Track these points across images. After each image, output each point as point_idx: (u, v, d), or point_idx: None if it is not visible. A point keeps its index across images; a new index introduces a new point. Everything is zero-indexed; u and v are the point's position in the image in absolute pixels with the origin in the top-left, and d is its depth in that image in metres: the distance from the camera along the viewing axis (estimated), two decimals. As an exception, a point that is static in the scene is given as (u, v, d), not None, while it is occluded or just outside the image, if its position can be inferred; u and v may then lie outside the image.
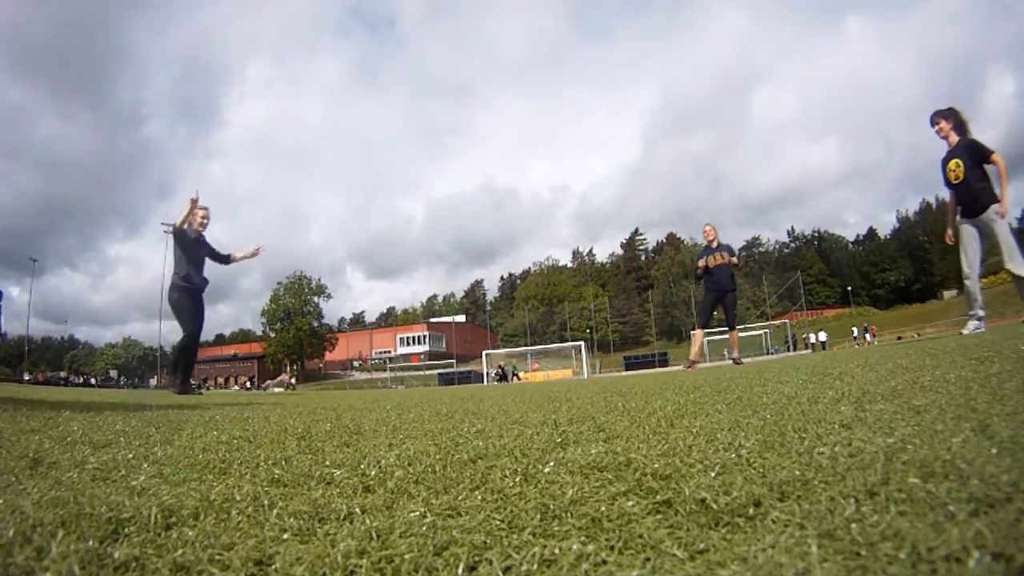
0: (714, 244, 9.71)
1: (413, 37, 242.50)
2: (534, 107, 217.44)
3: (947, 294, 70.53)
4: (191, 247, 7.09)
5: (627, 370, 34.85)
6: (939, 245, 75.62)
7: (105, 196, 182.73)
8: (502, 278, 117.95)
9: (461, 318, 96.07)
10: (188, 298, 7.06)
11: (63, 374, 77.01)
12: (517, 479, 0.93)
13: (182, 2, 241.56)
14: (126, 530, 0.73)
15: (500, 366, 38.09)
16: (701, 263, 9.71)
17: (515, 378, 35.11)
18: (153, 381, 69.25)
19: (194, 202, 6.99)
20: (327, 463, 1.18)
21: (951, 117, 6.27)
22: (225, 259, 7.58)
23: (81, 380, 67.92)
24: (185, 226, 7.03)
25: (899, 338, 38.09)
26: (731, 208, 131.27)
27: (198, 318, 7.28)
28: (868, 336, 43.59)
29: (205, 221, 7.29)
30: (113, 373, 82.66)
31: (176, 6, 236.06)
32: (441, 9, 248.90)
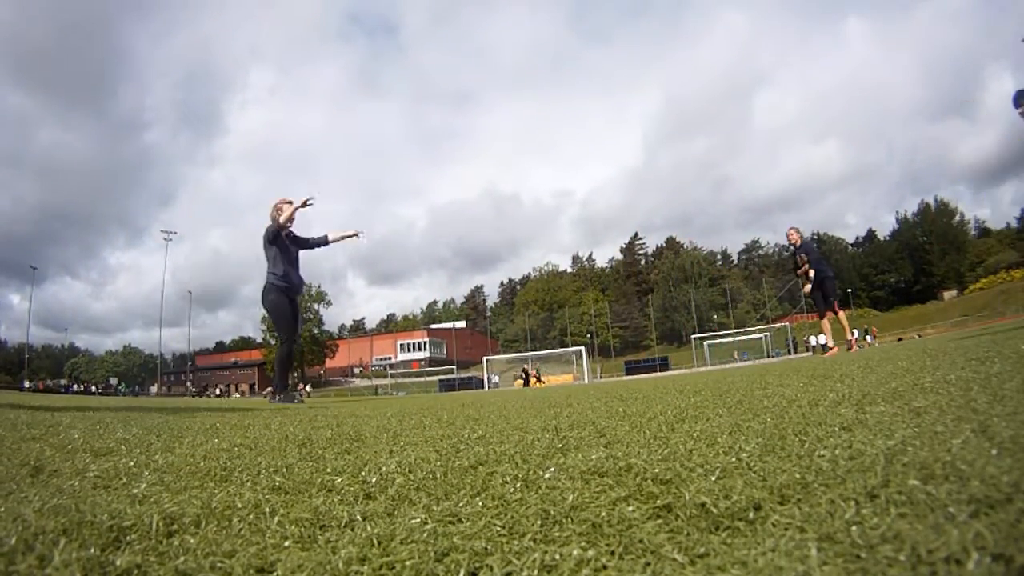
0: (797, 244, 10.07)
1: (413, 44, 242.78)
2: (535, 113, 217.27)
3: (947, 294, 70.45)
4: (286, 247, 6.67)
5: (628, 375, 34.83)
6: (939, 246, 75.71)
7: (106, 204, 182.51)
8: (502, 284, 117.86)
9: (461, 324, 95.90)
10: (286, 300, 6.61)
11: (63, 382, 77.06)
12: (518, 485, 0.93)
13: (182, 10, 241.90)
14: (128, 538, 0.73)
15: (524, 369, 37.63)
16: (808, 279, 9.90)
17: (538, 382, 34.81)
18: (154, 388, 69.25)
19: (304, 203, 6.62)
20: (328, 470, 1.18)
21: None
22: (322, 241, 7.08)
23: (81, 388, 67.97)
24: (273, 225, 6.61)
25: (900, 339, 38.08)
26: (733, 211, 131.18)
27: (297, 322, 6.78)
28: (868, 338, 43.51)
29: (294, 217, 6.79)
30: (113, 381, 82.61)
31: (176, 12, 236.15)
32: (441, 16, 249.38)
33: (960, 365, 2.65)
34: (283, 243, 6.64)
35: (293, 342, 6.76)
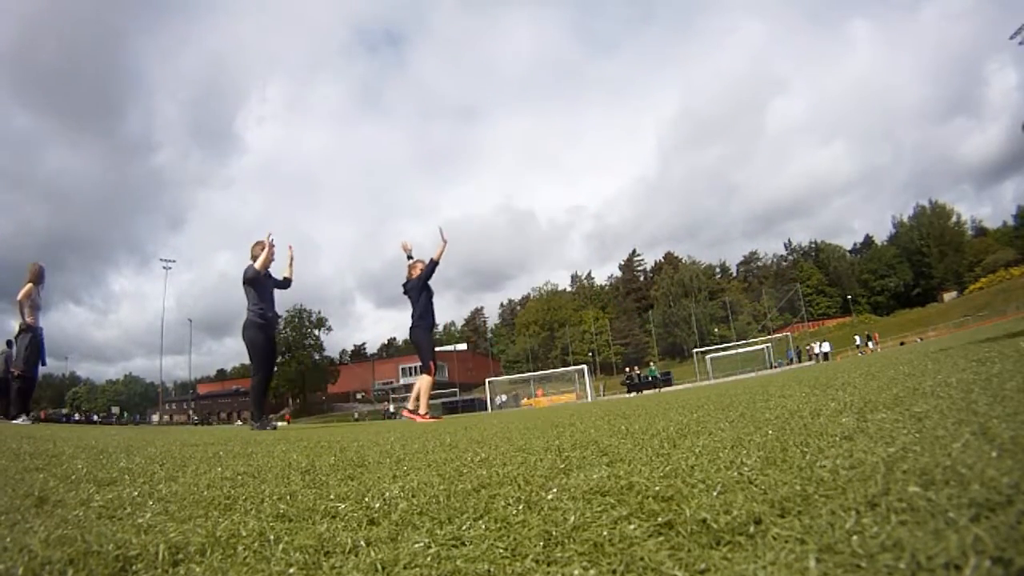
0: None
1: (418, 60, 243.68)
2: (544, 126, 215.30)
3: (947, 296, 70.34)
4: (264, 285, 7.16)
5: (630, 391, 34.59)
6: (937, 248, 75.76)
7: (111, 229, 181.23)
8: (502, 304, 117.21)
9: (463, 346, 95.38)
10: (264, 335, 7.11)
11: (65, 411, 76.73)
12: (520, 507, 0.93)
13: (191, 30, 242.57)
14: (134, 567, 0.73)
15: (636, 374, 34.13)
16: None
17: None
18: (155, 417, 68.88)
19: (271, 246, 7.12)
20: (332, 497, 1.18)
21: None
22: (287, 283, 7.59)
23: (83, 417, 67.67)
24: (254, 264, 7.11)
25: (902, 343, 37.99)
26: (740, 221, 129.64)
27: (273, 356, 7.34)
28: (870, 344, 43.36)
29: (272, 259, 7.33)
30: (115, 410, 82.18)
31: (184, 31, 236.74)
32: (446, 31, 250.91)
33: (961, 367, 2.66)
34: (261, 281, 7.12)
35: (268, 373, 7.29)
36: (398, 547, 0.77)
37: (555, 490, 1.02)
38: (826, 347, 42.72)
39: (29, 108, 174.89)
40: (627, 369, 38.63)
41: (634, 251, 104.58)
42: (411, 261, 8.29)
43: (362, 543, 0.80)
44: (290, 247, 7.63)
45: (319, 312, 76.95)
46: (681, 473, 1.05)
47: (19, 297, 8.07)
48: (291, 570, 0.70)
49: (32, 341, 8.15)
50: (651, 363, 40.67)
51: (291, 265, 7.59)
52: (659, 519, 0.77)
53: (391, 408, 47.59)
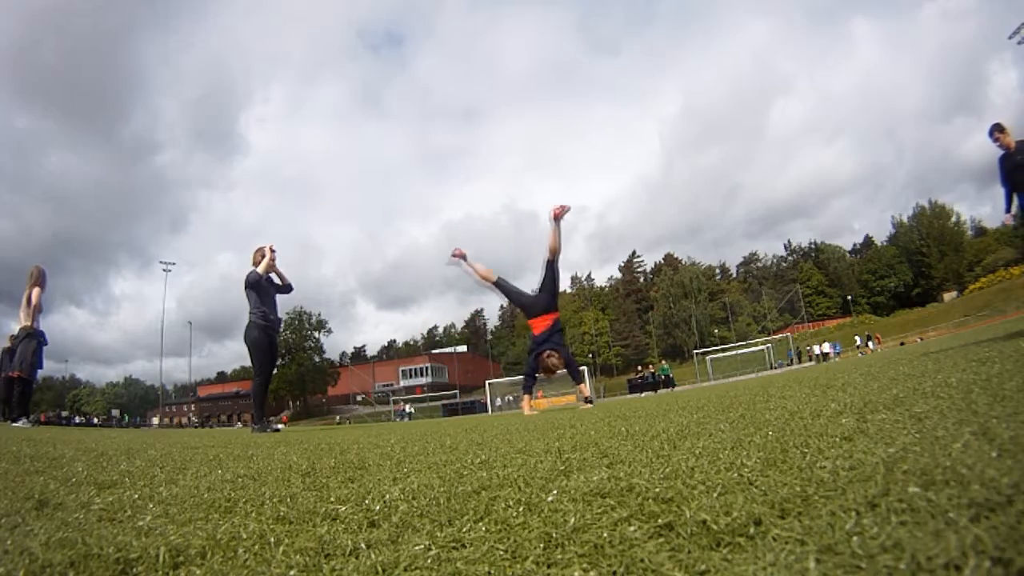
0: None
1: (420, 60, 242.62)
2: (547, 128, 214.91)
3: (947, 296, 70.20)
4: (266, 289, 7.28)
5: (631, 392, 34.57)
6: (937, 248, 75.69)
7: (113, 232, 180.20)
8: (502, 306, 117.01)
9: (463, 348, 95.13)
10: (267, 338, 7.20)
11: (65, 413, 76.79)
12: (520, 509, 0.93)
13: (193, 30, 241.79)
14: (134, 570, 0.73)
15: (648, 372, 33.09)
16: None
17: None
18: (155, 420, 68.92)
19: (272, 252, 7.27)
20: (332, 499, 1.18)
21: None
22: (288, 289, 7.71)
23: (83, 419, 67.76)
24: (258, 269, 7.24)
25: (902, 343, 37.95)
26: (742, 221, 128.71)
27: (274, 359, 7.47)
28: (870, 344, 43.30)
29: (273, 266, 7.46)
30: (115, 412, 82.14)
31: (187, 31, 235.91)
32: (448, 32, 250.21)
33: (962, 367, 2.66)
34: (263, 286, 7.24)
35: (268, 376, 7.36)
36: (398, 549, 0.77)
37: (555, 492, 1.02)
38: (827, 347, 42.68)
39: (30, 109, 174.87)
40: (639, 368, 38.45)
41: (634, 252, 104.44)
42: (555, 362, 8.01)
43: (362, 545, 0.80)
44: (273, 259, 7.55)
45: (319, 314, 77.08)
46: (681, 475, 1.05)
47: (35, 302, 8.10)
48: (291, 572, 0.70)
49: (38, 345, 8.19)
50: (663, 360, 40.80)
51: (277, 273, 7.58)
52: (659, 521, 0.77)
53: (407, 408, 47.68)
